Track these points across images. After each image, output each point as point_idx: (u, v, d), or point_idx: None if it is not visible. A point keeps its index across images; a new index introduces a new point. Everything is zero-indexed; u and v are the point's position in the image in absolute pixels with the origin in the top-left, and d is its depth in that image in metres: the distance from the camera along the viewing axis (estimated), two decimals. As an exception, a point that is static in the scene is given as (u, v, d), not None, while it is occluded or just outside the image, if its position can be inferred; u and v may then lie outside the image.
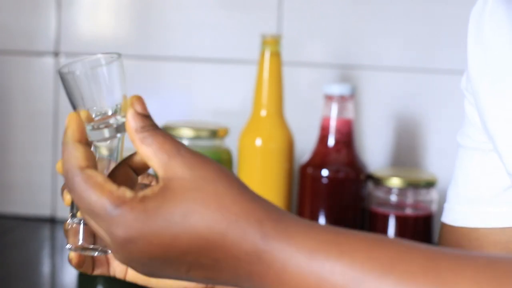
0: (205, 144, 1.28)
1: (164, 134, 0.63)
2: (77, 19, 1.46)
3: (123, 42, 1.45)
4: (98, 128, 0.65)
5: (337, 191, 1.26)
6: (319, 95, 1.31)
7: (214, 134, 1.28)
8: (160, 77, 1.43)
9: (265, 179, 1.27)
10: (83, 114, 0.65)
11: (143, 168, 0.66)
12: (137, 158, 0.66)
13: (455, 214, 0.85)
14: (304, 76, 1.41)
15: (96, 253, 0.71)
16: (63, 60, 1.45)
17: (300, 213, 1.27)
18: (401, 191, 1.26)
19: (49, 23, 1.45)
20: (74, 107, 0.65)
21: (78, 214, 0.76)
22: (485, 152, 0.82)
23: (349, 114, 1.27)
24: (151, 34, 1.44)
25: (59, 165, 0.80)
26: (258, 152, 1.27)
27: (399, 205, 1.26)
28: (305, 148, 1.36)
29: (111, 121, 0.65)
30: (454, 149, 0.89)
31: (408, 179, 1.25)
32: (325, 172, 1.25)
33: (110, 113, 0.65)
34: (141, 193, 0.61)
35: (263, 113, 1.28)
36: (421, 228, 1.25)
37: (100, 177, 0.62)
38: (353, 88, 1.27)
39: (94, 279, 1.14)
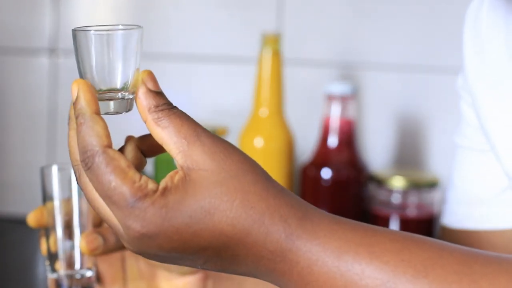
0: (204, 144, 1.28)
1: (181, 115, 0.60)
2: (76, 16, 1.45)
3: (121, 40, 1.44)
4: (102, 99, 0.60)
5: (339, 191, 1.25)
6: (320, 94, 1.31)
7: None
8: (159, 76, 1.41)
9: (265, 179, 1.26)
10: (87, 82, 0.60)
11: (154, 152, 0.62)
12: (148, 140, 0.62)
13: (454, 215, 0.85)
14: (305, 75, 1.40)
15: None
16: (61, 60, 1.44)
17: (301, 214, 1.27)
18: (403, 192, 1.25)
19: (47, 20, 1.44)
20: (81, 74, 0.60)
21: (57, 266, 0.75)
22: (483, 152, 0.82)
23: (351, 113, 1.26)
24: (150, 32, 1.43)
25: (31, 218, 0.78)
26: (258, 152, 1.26)
27: (401, 206, 1.25)
28: (306, 148, 1.35)
29: (118, 95, 0.60)
30: (453, 148, 0.88)
31: (410, 179, 1.25)
32: (326, 173, 1.25)
33: (118, 87, 0.60)
34: (162, 185, 0.57)
35: (263, 112, 1.27)
36: (424, 229, 1.25)
37: (123, 161, 0.58)
38: (355, 88, 1.27)
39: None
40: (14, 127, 1.47)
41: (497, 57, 0.77)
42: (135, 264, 0.80)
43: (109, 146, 0.58)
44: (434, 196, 1.26)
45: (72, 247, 0.75)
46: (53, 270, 0.75)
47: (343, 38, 1.39)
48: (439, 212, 1.25)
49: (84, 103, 0.59)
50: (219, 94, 1.42)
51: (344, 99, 1.26)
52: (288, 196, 0.59)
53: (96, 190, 0.58)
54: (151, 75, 0.61)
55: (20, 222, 1.43)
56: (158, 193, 0.57)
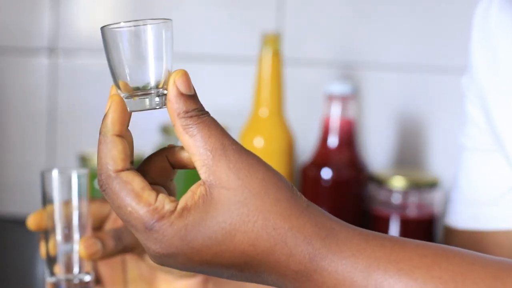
0: (204, 144, 1.27)
1: (210, 124, 0.59)
2: (76, 16, 1.44)
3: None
4: (136, 96, 0.58)
5: (339, 191, 1.25)
6: (320, 94, 1.30)
7: (213, 134, 1.27)
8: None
9: (265, 179, 1.25)
10: (121, 84, 0.59)
11: (182, 166, 0.61)
12: (178, 154, 0.60)
13: (460, 216, 0.85)
14: (305, 75, 1.39)
15: None
16: (61, 60, 1.44)
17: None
18: (404, 192, 1.25)
19: (47, 20, 1.44)
20: (113, 74, 0.59)
21: (56, 269, 0.74)
22: (488, 153, 0.82)
23: (351, 113, 1.26)
24: (150, 32, 1.43)
25: (31, 221, 0.78)
26: (258, 152, 1.24)
27: (401, 206, 1.25)
28: (306, 148, 1.35)
29: (153, 91, 0.59)
30: (458, 149, 0.88)
31: (410, 179, 1.24)
32: (326, 173, 1.24)
33: (152, 83, 0.59)
34: (181, 204, 0.57)
35: (264, 112, 1.26)
36: (424, 229, 1.25)
37: (137, 184, 0.57)
38: (355, 88, 1.27)
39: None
40: (13, 127, 1.46)
41: (506, 57, 0.77)
42: (136, 266, 0.79)
43: (123, 169, 0.57)
44: (434, 196, 1.26)
45: (71, 251, 0.75)
46: (52, 273, 0.75)
47: (343, 38, 1.38)
48: (440, 212, 1.25)
49: (110, 123, 0.58)
50: (219, 94, 1.42)
51: (344, 99, 1.25)
52: (313, 213, 0.58)
53: (115, 213, 0.58)
54: (184, 76, 0.58)
55: (19, 223, 1.43)
56: (176, 213, 0.56)
